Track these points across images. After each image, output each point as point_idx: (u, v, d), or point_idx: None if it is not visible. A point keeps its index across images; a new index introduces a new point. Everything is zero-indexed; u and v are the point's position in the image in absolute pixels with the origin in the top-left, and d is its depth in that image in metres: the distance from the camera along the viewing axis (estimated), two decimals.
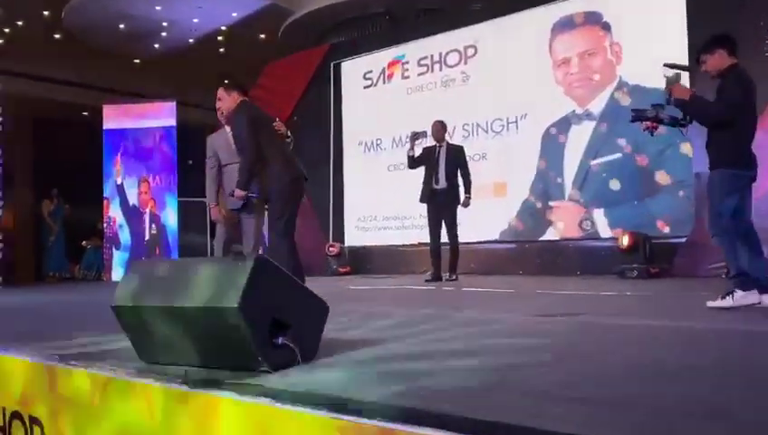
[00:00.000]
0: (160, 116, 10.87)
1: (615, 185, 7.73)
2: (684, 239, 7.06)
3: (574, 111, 8.12)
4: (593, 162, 7.92)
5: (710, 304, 3.82)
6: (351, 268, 9.77)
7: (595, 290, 5.40)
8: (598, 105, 7.92)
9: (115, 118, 10.89)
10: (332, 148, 10.45)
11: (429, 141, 7.57)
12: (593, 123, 7.95)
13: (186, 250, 10.33)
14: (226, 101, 4.82)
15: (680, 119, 4.00)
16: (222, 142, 5.36)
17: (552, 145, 8.28)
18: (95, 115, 11.57)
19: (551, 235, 8.25)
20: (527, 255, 8.40)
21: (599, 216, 7.88)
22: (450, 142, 7.61)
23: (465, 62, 9.19)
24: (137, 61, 12.91)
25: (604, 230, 7.81)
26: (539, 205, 8.37)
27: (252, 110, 4.77)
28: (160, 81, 13.21)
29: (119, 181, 10.81)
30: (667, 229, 7.31)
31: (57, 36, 11.79)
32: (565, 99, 8.20)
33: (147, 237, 10.70)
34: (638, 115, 4.17)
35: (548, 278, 7.56)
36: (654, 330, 3.13)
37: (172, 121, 10.85)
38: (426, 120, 9.34)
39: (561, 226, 8.17)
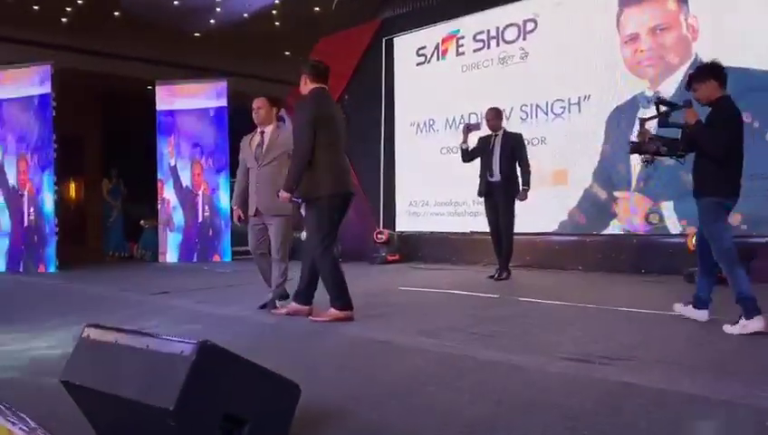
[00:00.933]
0: (212, 96, 10.70)
1: (687, 176, 6.94)
2: (765, 240, 6.29)
3: (643, 92, 7.34)
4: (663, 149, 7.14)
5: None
6: (401, 256, 9.39)
7: (664, 304, 4.79)
8: (670, 87, 7.10)
9: (168, 98, 10.79)
10: (383, 128, 10.00)
11: (484, 130, 7.01)
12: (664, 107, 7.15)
13: (236, 235, 10.22)
14: (301, 86, 4.51)
15: (678, 150, 4.19)
16: (246, 145, 5.19)
17: (617, 130, 7.55)
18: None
19: (614, 228, 7.59)
20: (587, 249, 7.77)
21: (668, 209, 7.15)
22: (507, 130, 7.03)
23: (524, 38, 8.48)
24: (197, 34, 12.75)
25: (673, 225, 7.09)
26: (602, 195, 7.70)
27: (320, 105, 4.40)
28: (218, 56, 13.09)
29: (172, 163, 10.76)
30: (744, 227, 6.54)
31: (116, 14, 11.77)
32: (633, 79, 7.42)
33: (200, 219, 10.66)
34: (636, 148, 4.33)
35: (609, 277, 6.96)
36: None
37: (223, 102, 10.67)
38: (481, 99, 8.80)
39: (626, 218, 7.49)
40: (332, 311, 4.43)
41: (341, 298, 4.43)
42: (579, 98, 7.91)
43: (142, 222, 11.75)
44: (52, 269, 9.20)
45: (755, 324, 3.66)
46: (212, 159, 10.67)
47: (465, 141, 6.81)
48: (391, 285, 6.76)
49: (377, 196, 10.01)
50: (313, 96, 4.42)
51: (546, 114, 8.24)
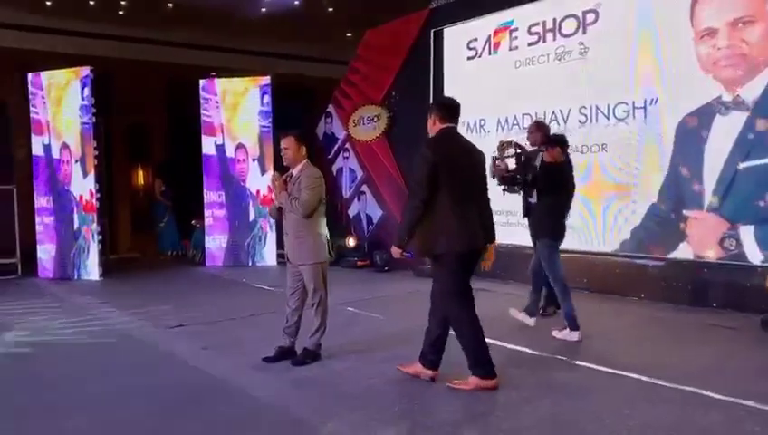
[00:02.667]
0: (257, 91, 10.28)
1: None
2: None
3: (720, 97, 6.31)
4: (743, 165, 6.14)
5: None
6: None
7: (746, 383, 3.99)
8: (752, 91, 6.06)
9: (211, 93, 10.46)
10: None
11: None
12: (745, 114, 6.12)
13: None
14: (428, 124, 4.19)
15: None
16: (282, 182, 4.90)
17: (689, 139, 6.57)
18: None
19: (683, 252, 6.65)
20: (651, 274, 6.88)
21: (747, 234, 6.16)
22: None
23: (584, 31, 7.51)
24: (252, 19, 12.34)
25: (753, 253, 6.10)
26: (670, 213, 6.76)
27: (442, 147, 3.99)
28: (276, 39, 12.71)
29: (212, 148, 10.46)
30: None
31: (169, 5, 11.50)
32: (709, 81, 6.39)
33: (251, 218, 10.35)
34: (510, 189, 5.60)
35: (674, 314, 6.09)
36: None
37: (267, 98, 10.24)
38: (535, 99, 7.96)
39: (697, 242, 6.54)
40: (473, 379, 3.97)
41: (482, 365, 3.97)
42: (645, 101, 6.93)
43: (193, 222, 11.61)
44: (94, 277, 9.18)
45: (574, 336, 5.23)
46: (257, 156, 10.32)
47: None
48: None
49: None
50: (436, 138, 4.07)
51: (607, 118, 7.30)
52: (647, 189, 6.92)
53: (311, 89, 13.31)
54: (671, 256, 6.73)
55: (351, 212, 10.64)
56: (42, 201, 9.57)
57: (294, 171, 4.81)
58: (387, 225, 9.94)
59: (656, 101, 6.84)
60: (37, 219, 9.58)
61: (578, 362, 4.60)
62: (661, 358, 4.68)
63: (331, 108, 11.04)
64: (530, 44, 8.10)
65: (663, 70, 6.76)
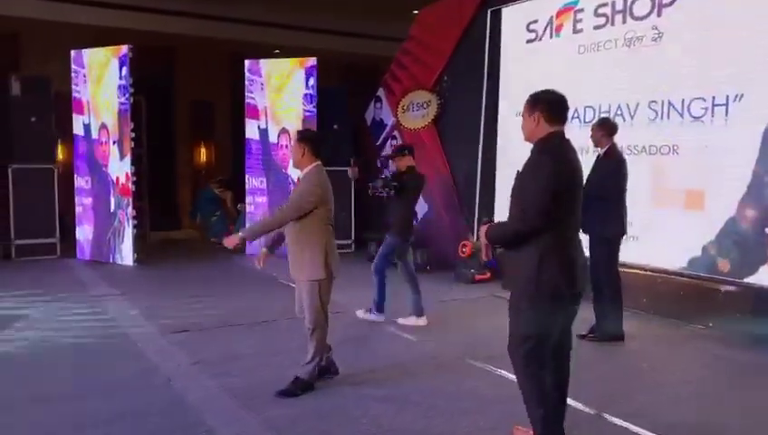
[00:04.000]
0: (302, 73, 9.71)
1: None
2: None
3: None
4: None
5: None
6: (493, 275, 7.95)
7: None
8: None
9: (256, 75, 9.97)
10: (483, 117, 8.43)
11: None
12: None
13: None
14: (526, 123, 3.16)
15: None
16: None
17: None
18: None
19: (764, 277, 5.62)
20: (723, 300, 5.89)
21: None
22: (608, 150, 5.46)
23: (659, 14, 6.48)
24: None
25: None
26: (750, 230, 5.73)
27: (565, 162, 3.06)
28: (346, 17, 12.15)
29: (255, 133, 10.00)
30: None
31: None
32: None
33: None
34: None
35: (748, 351, 5.14)
36: None
37: (312, 80, 9.65)
38: (598, 90, 7.00)
39: None
40: None
41: (549, 429, 3.10)
42: (727, 97, 5.88)
43: (239, 206, 11.24)
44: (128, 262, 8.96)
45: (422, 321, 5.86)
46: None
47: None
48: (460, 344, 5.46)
49: (472, 195, 8.57)
50: (554, 140, 3.07)
51: (681, 115, 6.28)
52: (724, 201, 5.89)
53: (372, 69, 12.62)
54: (748, 280, 5.72)
55: None
56: (81, 181, 9.41)
57: (301, 174, 4.22)
58: (432, 222, 9.22)
59: (740, 98, 5.78)
60: (76, 200, 9.45)
61: (615, 421, 3.79)
62: (723, 415, 3.81)
63: (380, 92, 10.35)
64: (596, 27, 7.11)
65: (750, 63, 5.69)
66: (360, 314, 6.13)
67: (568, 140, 3.14)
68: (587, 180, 3.77)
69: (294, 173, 9.66)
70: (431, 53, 9.27)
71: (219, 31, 12.48)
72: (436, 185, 9.15)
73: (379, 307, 6.05)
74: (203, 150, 15.43)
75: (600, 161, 5.43)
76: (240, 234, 4.24)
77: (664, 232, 6.30)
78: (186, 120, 14.54)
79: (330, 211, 4.23)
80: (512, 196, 3.13)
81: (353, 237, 10.30)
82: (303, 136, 4.24)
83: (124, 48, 8.80)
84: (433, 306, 6.37)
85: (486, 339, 5.24)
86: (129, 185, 8.87)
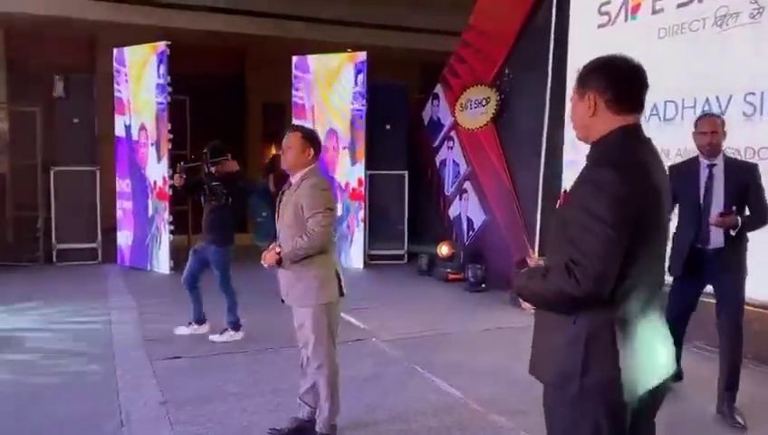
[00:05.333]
0: (351, 69, 8.95)
1: None
2: None
3: None
4: None
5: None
6: None
7: None
8: None
9: (305, 72, 9.31)
10: (548, 113, 7.32)
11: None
12: None
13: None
14: (576, 111, 1.97)
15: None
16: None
17: None
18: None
19: None
20: None
21: None
22: (731, 157, 4.24)
23: None
24: None
25: None
26: None
27: (637, 168, 1.83)
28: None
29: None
30: None
31: None
32: None
33: (339, 213, 9.14)
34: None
35: None
36: None
37: (362, 77, 8.86)
38: (683, 80, 5.78)
39: None
40: None
41: None
42: None
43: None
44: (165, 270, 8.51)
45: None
46: (347, 148, 9.03)
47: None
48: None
49: (533, 202, 7.46)
50: (623, 150, 1.86)
51: None
52: None
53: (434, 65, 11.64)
54: None
55: (452, 213, 8.99)
56: (122, 185, 9.08)
57: (293, 179, 3.41)
58: (489, 232, 8.19)
59: None
60: (117, 203, 9.13)
61: None
62: None
63: (438, 88, 9.40)
64: (680, 6, 5.88)
65: None
66: (216, 337, 5.47)
67: (648, 141, 1.93)
68: None
69: (342, 178, 8.97)
70: (491, 43, 8.25)
71: (286, 31, 11.83)
72: (495, 194, 8.14)
73: (236, 325, 5.53)
74: (273, 152, 15.02)
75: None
76: (280, 254, 3.32)
77: (763, 257, 5.03)
78: (258, 121, 14.01)
79: (336, 218, 3.65)
80: (555, 228, 1.92)
81: (406, 248, 9.43)
82: (309, 135, 3.48)
83: (162, 45, 8.36)
84: (475, 334, 5.40)
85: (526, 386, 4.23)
86: (166, 189, 8.42)
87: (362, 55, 8.86)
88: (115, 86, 9.01)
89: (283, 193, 3.47)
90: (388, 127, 9.28)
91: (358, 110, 8.89)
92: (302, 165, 3.38)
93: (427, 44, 11.49)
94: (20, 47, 10.66)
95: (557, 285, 1.77)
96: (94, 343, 5.37)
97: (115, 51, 9.00)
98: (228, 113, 12.70)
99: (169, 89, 8.37)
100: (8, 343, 5.33)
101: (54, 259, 8.93)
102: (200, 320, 5.66)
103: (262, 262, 3.40)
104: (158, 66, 8.40)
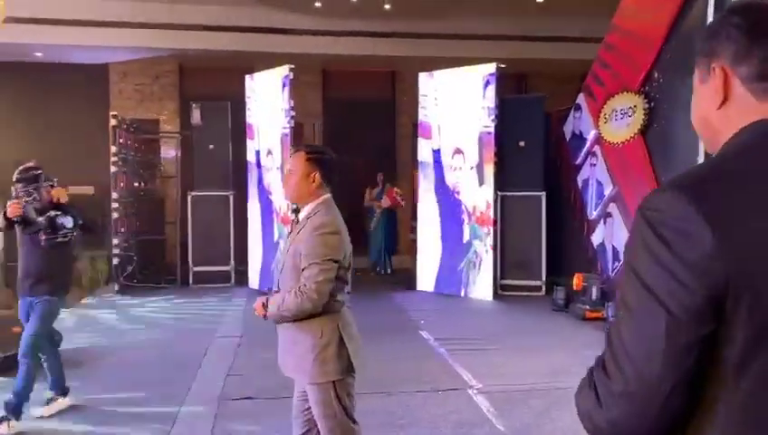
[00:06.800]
0: (479, 83, 8.27)
1: None
2: None
3: None
4: None
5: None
6: None
7: None
8: None
9: (428, 88, 8.78)
10: None
11: None
12: None
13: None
14: (698, 98, 1.13)
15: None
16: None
17: None
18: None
19: None
20: None
21: None
22: None
23: None
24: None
25: None
26: None
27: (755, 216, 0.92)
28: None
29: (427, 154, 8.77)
30: None
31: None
32: None
33: (465, 238, 8.47)
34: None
35: None
36: None
37: (491, 91, 8.14)
38: None
39: None
40: None
41: None
42: None
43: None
44: None
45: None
46: (475, 168, 8.34)
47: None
48: None
49: None
50: (729, 170, 0.98)
51: None
52: None
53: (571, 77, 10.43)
54: None
55: (596, 240, 7.89)
56: (252, 209, 9.17)
57: (301, 214, 2.81)
58: None
59: None
60: (249, 227, 9.23)
61: None
62: None
63: (581, 98, 8.37)
64: None
65: None
66: (41, 411, 4.29)
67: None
68: None
69: (468, 201, 8.33)
70: (637, 44, 7.12)
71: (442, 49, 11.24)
72: None
73: (64, 390, 4.44)
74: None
75: None
76: (265, 308, 2.73)
77: None
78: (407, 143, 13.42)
79: (347, 269, 2.78)
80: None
81: (544, 279, 8.47)
82: (315, 155, 2.78)
83: (285, 68, 8.31)
84: None
85: None
86: (289, 213, 8.32)
87: (491, 67, 8.15)
88: (247, 111, 9.15)
89: (290, 232, 2.90)
90: (521, 144, 8.45)
91: (486, 126, 8.17)
92: (308, 195, 2.72)
93: (564, 54, 10.41)
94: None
95: (588, 407, 1.04)
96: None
97: (247, 77, 9.15)
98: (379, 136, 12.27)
99: (292, 113, 8.29)
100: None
101: (191, 282, 9.22)
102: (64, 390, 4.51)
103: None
104: (282, 90, 8.36)
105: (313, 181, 2.71)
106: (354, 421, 2.71)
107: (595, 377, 0.99)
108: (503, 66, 9.00)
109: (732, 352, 0.90)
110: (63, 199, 4.30)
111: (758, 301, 0.89)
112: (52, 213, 4.20)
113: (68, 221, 4.22)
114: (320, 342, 2.64)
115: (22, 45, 9.94)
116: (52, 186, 4.30)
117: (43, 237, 4.15)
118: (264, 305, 2.72)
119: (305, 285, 2.58)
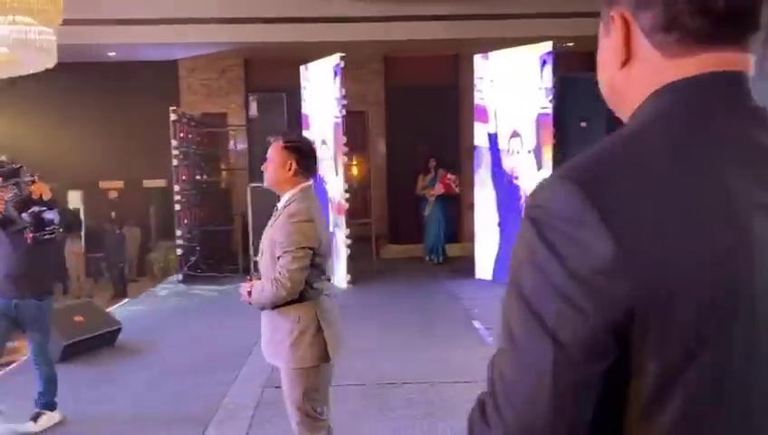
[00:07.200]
0: (536, 64, 7.91)
1: None
2: None
3: None
4: None
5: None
6: None
7: None
8: None
9: (485, 70, 8.50)
10: None
11: None
12: None
13: None
14: (607, 60, 0.91)
15: None
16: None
17: None
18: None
19: None
20: None
21: None
22: None
23: None
24: None
25: None
26: None
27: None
28: None
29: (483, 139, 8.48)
30: None
31: None
32: None
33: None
34: None
35: None
36: None
37: (548, 71, 7.75)
38: None
39: None
40: None
41: None
42: None
43: None
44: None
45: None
46: (532, 151, 7.99)
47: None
48: None
49: None
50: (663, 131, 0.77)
51: None
52: None
53: None
54: None
55: None
56: None
57: (280, 202, 2.83)
58: None
59: None
60: None
61: None
62: None
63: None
64: None
65: None
66: (32, 426, 4.01)
67: (757, 110, 0.77)
68: None
69: (526, 185, 7.99)
70: None
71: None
72: None
73: (52, 405, 4.13)
74: None
75: None
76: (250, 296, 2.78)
77: None
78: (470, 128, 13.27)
79: (324, 257, 2.79)
80: None
81: None
82: (291, 144, 2.81)
83: (336, 57, 8.27)
84: None
85: None
86: (344, 202, 8.32)
87: (547, 46, 7.77)
88: (302, 101, 9.19)
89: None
90: (583, 124, 8.03)
91: (544, 107, 7.81)
92: (285, 182, 2.77)
93: None
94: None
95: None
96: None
97: (302, 67, 9.18)
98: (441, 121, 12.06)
99: (344, 102, 8.25)
100: None
101: (252, 271, 9.40)
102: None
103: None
104: (334, 78, 8.33)
105: (290, 169, 2.75)
106: (316, 413, 2.74)
107: (473, 423, 0.79)
108: (570, 44, 8.65)
109: (643, 383, 0.70)
110: (46, 195, 4.06)
111: (672, 324, 0.69)
112: (36, 209, 3.97)
113: (55, 216, 4.01)
114: (296, 327, 2.68)
115: (96, 46, 10.41)
116: (33, 181, 4.04)
117: (30, 235, 3.91)
118: (249, 293, 2.76)
119: (280, 273, 2.62)
